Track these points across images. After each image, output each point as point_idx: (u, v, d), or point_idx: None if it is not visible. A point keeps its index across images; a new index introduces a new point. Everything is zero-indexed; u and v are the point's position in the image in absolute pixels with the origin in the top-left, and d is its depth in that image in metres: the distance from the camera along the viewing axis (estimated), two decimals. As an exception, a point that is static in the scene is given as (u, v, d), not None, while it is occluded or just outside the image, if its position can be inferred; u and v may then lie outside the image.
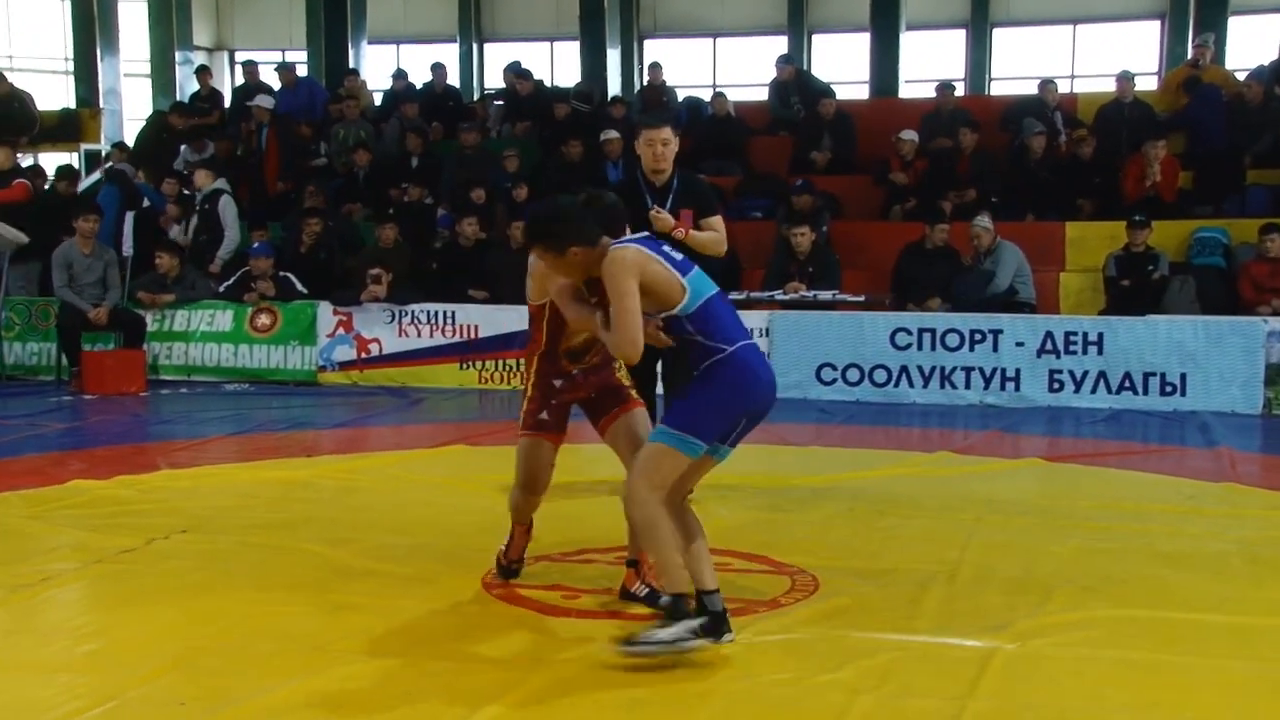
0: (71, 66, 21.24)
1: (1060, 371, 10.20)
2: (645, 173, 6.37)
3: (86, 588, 4.90)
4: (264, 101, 14.31)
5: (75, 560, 5.22)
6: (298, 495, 6.62)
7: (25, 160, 15.00)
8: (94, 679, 3.81)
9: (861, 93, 18.40)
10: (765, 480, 7.02)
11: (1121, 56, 19.92)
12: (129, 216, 13.05)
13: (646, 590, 4.56)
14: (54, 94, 20.58)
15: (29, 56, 22.47)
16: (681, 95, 15.85)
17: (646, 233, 4.45)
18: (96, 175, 16.37)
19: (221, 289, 11.84)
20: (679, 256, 4.25)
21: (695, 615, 4.00)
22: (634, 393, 4.71)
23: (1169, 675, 3.90)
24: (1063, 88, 14.62)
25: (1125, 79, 13.42)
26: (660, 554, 4.09)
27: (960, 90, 16.71)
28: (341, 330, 11.55)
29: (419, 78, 16.31)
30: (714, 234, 6.29)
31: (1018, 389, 10.25)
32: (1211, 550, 5.50)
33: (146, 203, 13.18)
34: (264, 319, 11.69)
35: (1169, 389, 10.01)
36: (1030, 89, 14.16)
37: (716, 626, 3.99)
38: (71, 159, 19.28)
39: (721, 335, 4.14)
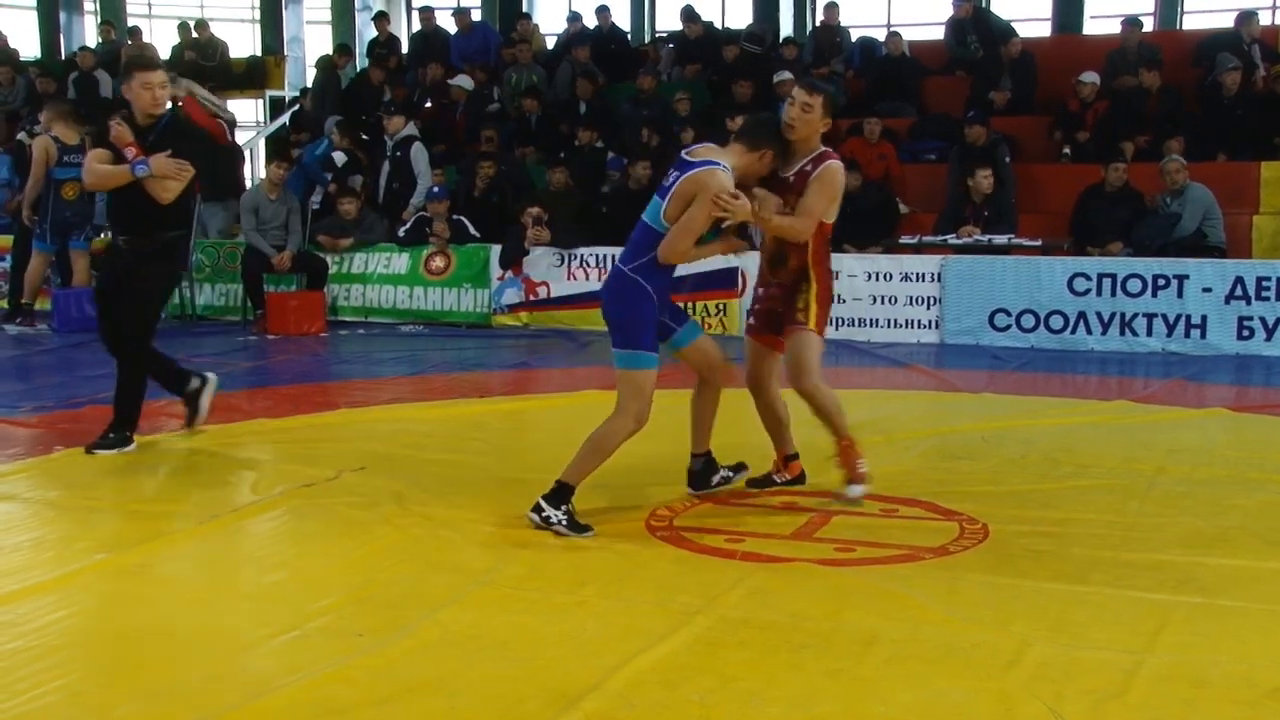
0: (258, 15, 21.90)
1: (1250, 318, 9.75)
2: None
3: (271, 520, 5.09)
4: (464, 82, 14.51)
5: (260, 493, 5.43)
6: (470, 435, 6.76)
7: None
8: (278, 608, 3.97)
9: (1043, 30, 17.78)
10: (935, 427, 6.91)
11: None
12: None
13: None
14: (242, 43, 21.28)
15: (220, 6, 23.23)
16: (855, 35, 15.54)
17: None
18: (283, 120, 16.89)
19: (401, 233, 12.10)
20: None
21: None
22: (803, 316, 5.14)
23: (1363, 636, 3.72)
24: (1263, 19, 13.89)
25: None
26: None
27: (1150, 25, 16.00)
28: (511, 273, 11.72)
29: (593, 20, 16.32)
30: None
31: (1203, 336, 9.85)
32: None
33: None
34: (438, 262, 11.93)
35: (1370, 337, 9.50)
36: (1226, 22, 13.48)
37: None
38: (256, 106, 19.97)
39: None
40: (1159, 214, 10.70)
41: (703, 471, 5.32)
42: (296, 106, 16.61)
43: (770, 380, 5.35)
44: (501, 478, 5.74)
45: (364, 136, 13.56)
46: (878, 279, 10.60)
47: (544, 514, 4.81)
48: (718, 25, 16.57)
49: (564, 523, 4.79)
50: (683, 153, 4.99)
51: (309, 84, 17.49)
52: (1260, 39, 12.89)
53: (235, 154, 13.93)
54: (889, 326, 10.58)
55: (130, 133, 6.03)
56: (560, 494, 4.85)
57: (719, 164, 4.84)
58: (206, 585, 4.27)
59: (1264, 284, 9.71)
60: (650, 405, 4.92)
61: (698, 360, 5.19)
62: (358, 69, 16.61)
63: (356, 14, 21.68)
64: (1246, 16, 13.03)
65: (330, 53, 16.86)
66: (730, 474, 5.37)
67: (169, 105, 6.32)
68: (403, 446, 6.39)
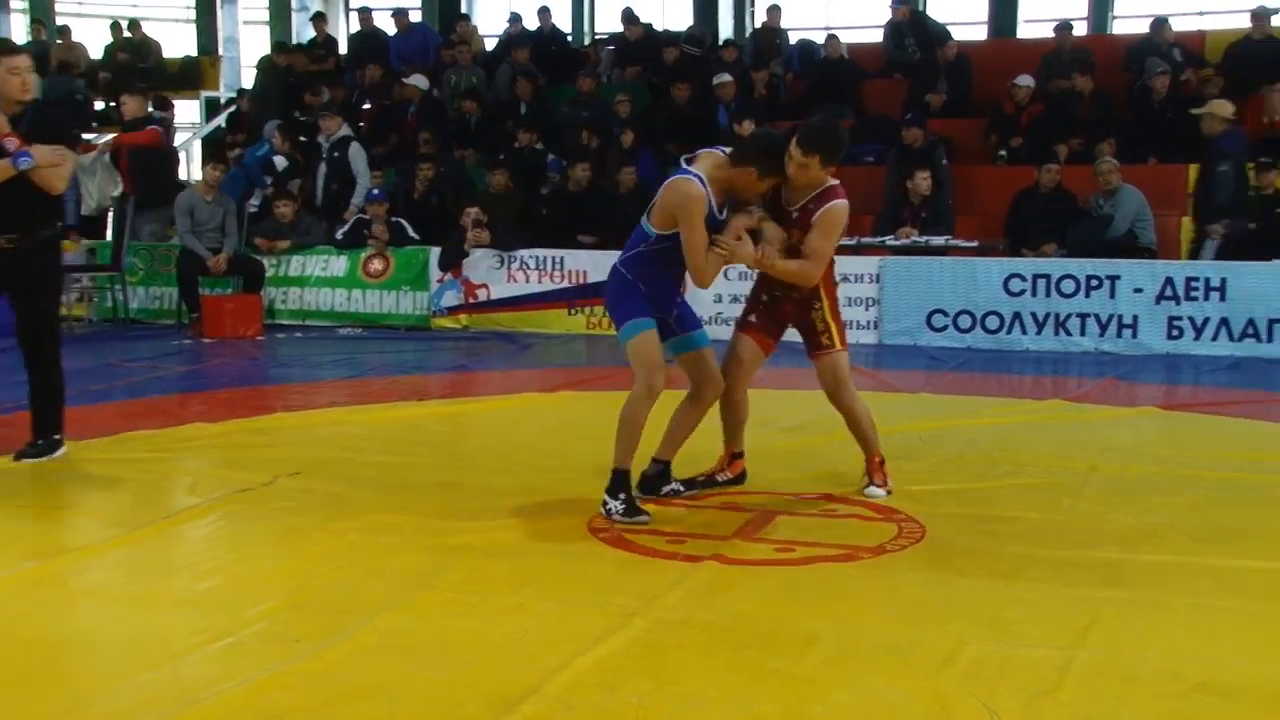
0: (193, 15, 21.65)
1: (1180, 318, 9.93)
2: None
3: (206, 526, 5.03)
4: (419, 81, 14.40)
5: (195, 499, 5.37)
6: (409, 438, 6.73)
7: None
8: (213, 615, 3.92)
9: (978, 33, 17.97)
10: (873, 427, 6.96)
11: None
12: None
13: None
14: (177, 42, 21.02)
15: (155, 5, 22.93)
16: (794, 37, 15.63)
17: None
18: (219, 122, 16.69)
19: (339, 235, 12.02)
20: None
21: None
22: (828, 339, 5.31)
23: (1288, 629, 3.80)
24: (1191, 24, 14.11)
25: (1261, 15, 12.87)
26: None
27: (1082, 30, 16.21)
28: (451, 275, 11.67)
29: (533, 22, 16.28)
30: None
31: (1135, 336, 10.01)
32: (1336, 503, 5.35)
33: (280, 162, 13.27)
34: (377, 264, 11.86)
35: (1294, 336, 9.70)
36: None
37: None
38: (192, 106, 19.72)
39: None
40: (1092, 215, 10.85)
41: (655, 478, 5.33)
42: (233, 107, 16.44)
43: (745, 379, 5.41)
44: (441, 481, 5.71)
45: (303, 139, 13.45)
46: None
47: (607, 506, 4.94)
48: (657, 27, 16.60)
49: (620, 511, 4.93)
50: (682, 158, 5.06)
51: (245, 85, 17.33)
52: (1179, 43, 13.08)
53: (170, 157, 13.77)
54: (827, 327, 10.63)
55: (7, 123, 5.69)
56: (615, 481, 4.97)
57: (692, 173, 4.89)
58: (139, 592, 4.21)
59: (1193, 284, 9.89)
60: (660, 368, 4.97)
61: (694, 371, 5.24)
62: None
63: (294, 14, 21.48)
64: (1160, 23, 13.20)
65: (270, 52, 16.68)
66: (680, 488, 5.39)
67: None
68: (341, 450, 6.35)
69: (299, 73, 15.22)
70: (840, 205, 5.10)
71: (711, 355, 5.24)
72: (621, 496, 4.96)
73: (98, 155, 13.32)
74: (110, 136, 13.31)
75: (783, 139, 5.04)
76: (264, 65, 16.27)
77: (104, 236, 13.00)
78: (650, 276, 5.03)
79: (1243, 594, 4.10)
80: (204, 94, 19.17)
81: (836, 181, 5.15)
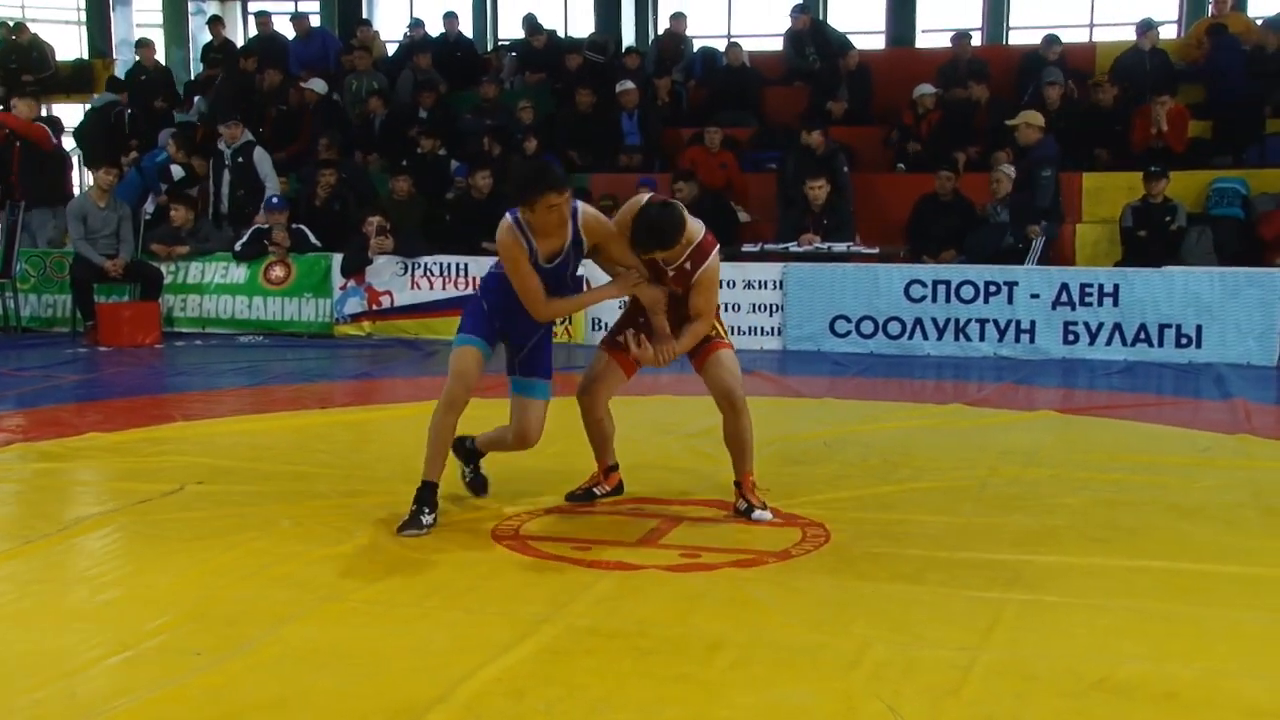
0: (84, 17, 21.16)
1: (1075, 324, 10.16)
2: None
3: (104, 538, 4.91)
4: (316, 85, 14.20)
5: (91, 510, 5.25)
6: (312, 446, 6.65)
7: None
8: (111, 629, 3.83)
9: (877, 42, 18.23)
10: (777, 432, 7.01)
11: (1143, 5, 19.65)
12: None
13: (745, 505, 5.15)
14: (67, 45, 20.53)
15: (42, 7, 22.36)
16: (696, 45, 15.72)
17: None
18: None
19: (238, 247, 11.80)
20: None
21: None
22: (715, 334, 5.26)
23: (1182, 626, 3.89)
24: (1082, 36, 14.42)
25: (1146, 28, 13.22)
26: None
27: (977, 40, 16.52)
28: (353, 282, 11.55)
29: (434, 28, 16.17)
30: None
31: (1032, 341, 10.21)
32: (1225, 502, 5.49)
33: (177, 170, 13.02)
34: (278, 271, 11.69)
35: (1184, 341, 9.97)
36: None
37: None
38: (84, 110, 19.27)
39: None
40: (989, 222, 11.06)
41: (465, 450, 5.48)
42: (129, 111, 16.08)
43: (605, 398, 5.30)
44: (345, 490, 5.65)
45: (221, 147, 13.19)
46: (720, 286, 10.68)
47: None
48: (560, 34, 16.58)
49: (405, 520, 4.88)
50: None
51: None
52: (1065, 57, 13.34)
53: (62, 159, 13.45)
54: (732, 333, 10.62)
55: None
56: (418, 492, 4.95)
57: (514, 214, 4.97)
58: (32, 607, 4.10)
59: (1087, 290, 10.12)
60: (459, 378, 5.04)
61: (514, 414, 5.22)
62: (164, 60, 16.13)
63: (190, 17, 21.08)
64: (1051, 40, 13.47)
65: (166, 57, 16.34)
66: (472, 475, 5.49)
67: None
68: (243, 459, 6.24)
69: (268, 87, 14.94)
70: (715, 261, 5.09)
71: (536, 412, 5.16)
72: (413, 508, 4.90)
73: None
74: None
75: (527, 169, 5.14)
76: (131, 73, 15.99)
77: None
78: (496, 291, 5.16)
79: (1138, 593, 4.20)
80: (96, 97, 18.73)
81: (702, 230, 5.08)
